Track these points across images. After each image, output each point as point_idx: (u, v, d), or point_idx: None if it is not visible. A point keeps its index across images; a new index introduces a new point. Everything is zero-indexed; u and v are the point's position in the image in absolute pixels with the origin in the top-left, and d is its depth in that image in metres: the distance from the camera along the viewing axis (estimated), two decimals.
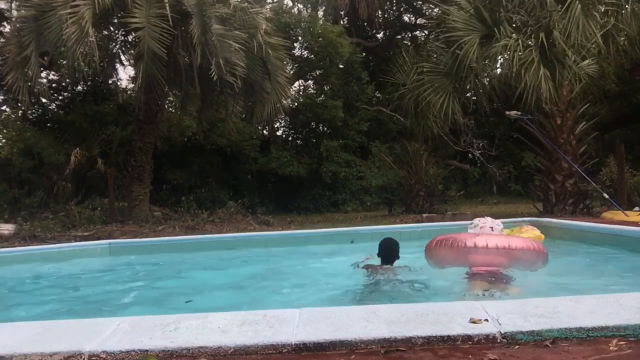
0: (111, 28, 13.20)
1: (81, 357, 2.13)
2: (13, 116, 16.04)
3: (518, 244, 4.06)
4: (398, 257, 4.60)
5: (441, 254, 4.22)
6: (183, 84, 11.80)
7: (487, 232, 4.34)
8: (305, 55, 17.15)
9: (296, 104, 17.34)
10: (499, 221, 4.52)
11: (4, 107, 15.85)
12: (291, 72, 15.52)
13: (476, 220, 4.56)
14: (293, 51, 15.78)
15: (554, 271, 4.78)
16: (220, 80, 10.43)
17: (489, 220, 4.49)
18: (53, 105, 16.25)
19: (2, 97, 14.93)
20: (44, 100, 14.80)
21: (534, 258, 4.12)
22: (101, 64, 13.09)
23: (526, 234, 6.28)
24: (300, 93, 18.40)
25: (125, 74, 25.97)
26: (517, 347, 2.08)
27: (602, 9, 8.97)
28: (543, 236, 6.44)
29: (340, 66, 17.28)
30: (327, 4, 19.49)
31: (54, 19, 9.34)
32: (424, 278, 4.32)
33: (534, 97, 8.37)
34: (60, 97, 16.26)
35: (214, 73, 10.00)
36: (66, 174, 12.98)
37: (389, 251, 4.59)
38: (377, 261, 4.67)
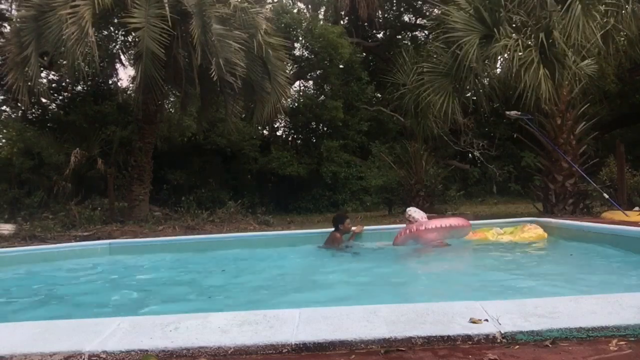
0: (111, 28, 13.23)
1: (81, 357, 2.13)
2: (13, 116, 16.06)
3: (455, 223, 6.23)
4: (342, 223, 6.66)
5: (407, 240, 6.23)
6: (183, 84, 11.80)
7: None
8: (305, 56, 17.15)
9: (296, 104, 17.34)
10: (422, 212, 6.52)
11: (4, 107, 15.87)
12: (291, 72, 15.52)
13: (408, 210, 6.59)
14: (293, 51, 15.78)
15: (554, 271, 4.79)
16: (220, 80, 10.44)
17: (412, 210, 6.51)
18: (53, 105, 16.27)
19: (2, 97, 14.94)
20: (44, 100, 14.80)
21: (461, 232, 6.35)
22: (101, 64, 13.12)
23: (528, 233, 6.34)
24: (301, 93, 18.40)
25: (125, 74, 26.06)
26: (517, 347, 2.08)
27: (602, 9, 8.95)
28: (546, 234, 6.46)
29: (340, 66, 17.27)
30: (328, 4, 19.50)
31: (54, 19, 9.35)
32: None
33: (534, 97, 8.36)
34: (60, 97, 16.28)
35: (214, 73, 10.00)
36: (66, 174, 12.98)
37: (336, 220, 6.80)
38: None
